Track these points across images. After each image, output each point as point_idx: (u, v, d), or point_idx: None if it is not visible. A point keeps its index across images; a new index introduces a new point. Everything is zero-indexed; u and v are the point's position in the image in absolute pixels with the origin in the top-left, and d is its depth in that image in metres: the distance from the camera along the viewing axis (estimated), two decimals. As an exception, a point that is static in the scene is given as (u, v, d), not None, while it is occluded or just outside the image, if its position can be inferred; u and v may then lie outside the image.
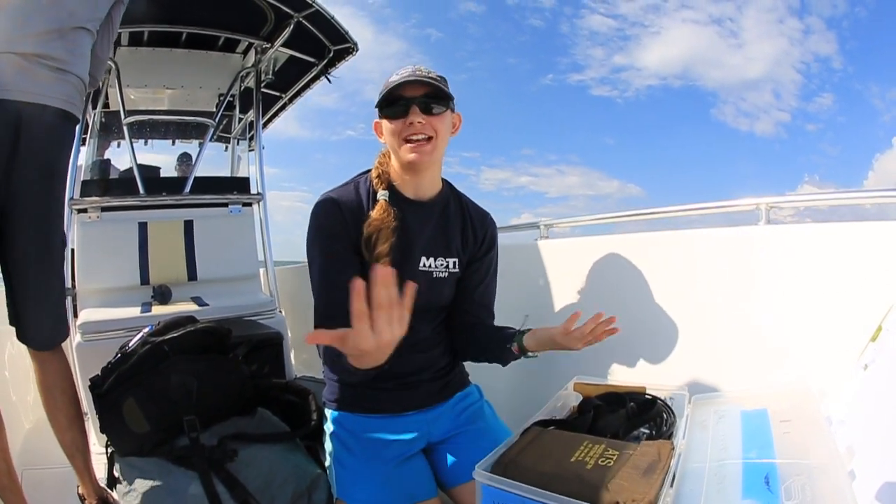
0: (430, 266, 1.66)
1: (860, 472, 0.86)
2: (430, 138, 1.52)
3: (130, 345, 1.83)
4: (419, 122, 1.50)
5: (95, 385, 1.77)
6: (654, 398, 1.40)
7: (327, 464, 1.70)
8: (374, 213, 1.54)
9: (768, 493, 0.88)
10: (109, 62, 3.51)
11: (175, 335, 1.79)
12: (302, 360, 3.93)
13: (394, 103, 1.51)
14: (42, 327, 1.91)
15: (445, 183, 1.74)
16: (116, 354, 1.84)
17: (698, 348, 1.82)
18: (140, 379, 1.72)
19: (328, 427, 1.73)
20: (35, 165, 1.80)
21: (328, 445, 1.71)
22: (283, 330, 3.06)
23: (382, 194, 1.58)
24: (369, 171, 1.68)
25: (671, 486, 0.96)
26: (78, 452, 2.01)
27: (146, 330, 1.87)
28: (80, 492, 2.08)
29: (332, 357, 1.51)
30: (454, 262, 1.70)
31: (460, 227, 1.73)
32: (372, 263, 1.36)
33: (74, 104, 1.90)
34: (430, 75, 1.51)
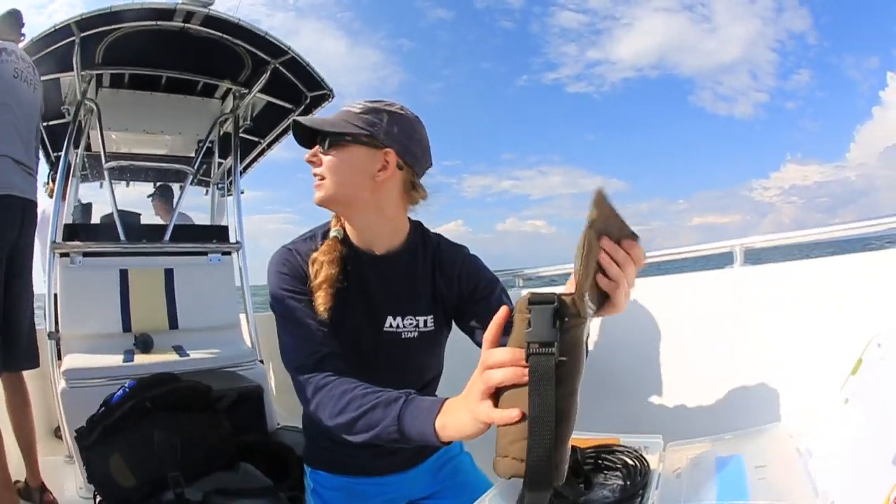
0: (396, 326, 1.46)
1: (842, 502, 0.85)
2: (323, 177, 1.34)
3: (114, 399, 1.86)
4: (311, 158, 1.36)
5: (82, 436, 1.80)
6: (626, 449, 1.30)
7: None
8: (318, 251, 1.37)
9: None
10: (90, 103, 3.58)
11: (158, 392, 1.81)
12: (285, 406, 3.92)
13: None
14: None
15: (415, 229, 1.52)
16: (100, 407, 1.87)
17: (675, 393, 1.82)
18: (125, 433, 1.75)
19: (308, 483, 1.67)
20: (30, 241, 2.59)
21: (309, 502, 1.67)
22: (263, 381, 3.05)
23: (336, 231, 1.42)
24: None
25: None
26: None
27: (128, 384, 1.89)
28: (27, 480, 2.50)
29: (310, 417, 1.39)
30: (426, 321, 1.49)
31: (430, 276, 1.51)
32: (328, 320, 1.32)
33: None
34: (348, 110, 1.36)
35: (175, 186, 4.71)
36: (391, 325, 1.45)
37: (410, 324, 1.47)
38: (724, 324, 1.73)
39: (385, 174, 1.32)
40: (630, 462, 1.20)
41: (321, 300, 1.30)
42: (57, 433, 3.17)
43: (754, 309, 1.66)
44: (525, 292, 0.85)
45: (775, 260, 1.73)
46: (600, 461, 1.25)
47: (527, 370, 0.81)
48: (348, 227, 1.43)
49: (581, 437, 1.44)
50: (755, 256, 1.80)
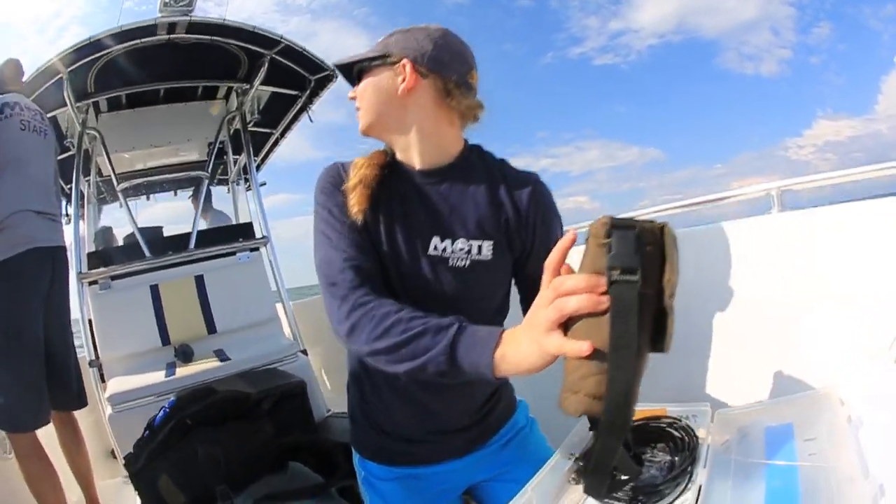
0: (443, 250, 1.27)
1: (891, 486, 0.80)
2: (359, 108, 1.33)
3: (156, 421, 1.89)
4: (352, 95, 1.35)
5: (129, 463, 1.84)
6: (674, 420, 1.25)
7: None
8: (360, 159, 1.31)
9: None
10: (93, 131, 3.60)
11: (196, 409, 1.83)
12: (336, 392, 3.97)
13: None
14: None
15: (470, 149, 1.38)
16: (144, 431, 1.90)
17: (719, 355, 1.70)
18: (169, 454, 1.78)
19: (359, 472, 1.52)
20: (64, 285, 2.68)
21: (362, 492, 1.53)
22: (307, 373, 3.09)
23: (385, 147, 1.36)
24: None
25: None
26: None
27: (168, 404, 1.92)
28: None
29: (356, 402, 1.42)
30: (481, 247, 1.28)
31: (488, 198, 1.31)
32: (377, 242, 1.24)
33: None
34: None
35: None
36: (436, 249, 1.27)
37: (461, 249, 1.27)
38: (764, 277, 1.60)
39: (406, 84, 1.25)
40: (678, 435, 1.15)
41: (354, 200, 1.23)
42: (113, 454, 3.25)
43: (792, 260, 1.53)
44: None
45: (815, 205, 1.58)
46: (648, 434, 1.20)
47: (604, 299, 0.77)
48: (398, 149, 1.35)
49: None
50: (794, 203, 1.67)
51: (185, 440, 1.79)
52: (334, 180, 1.30)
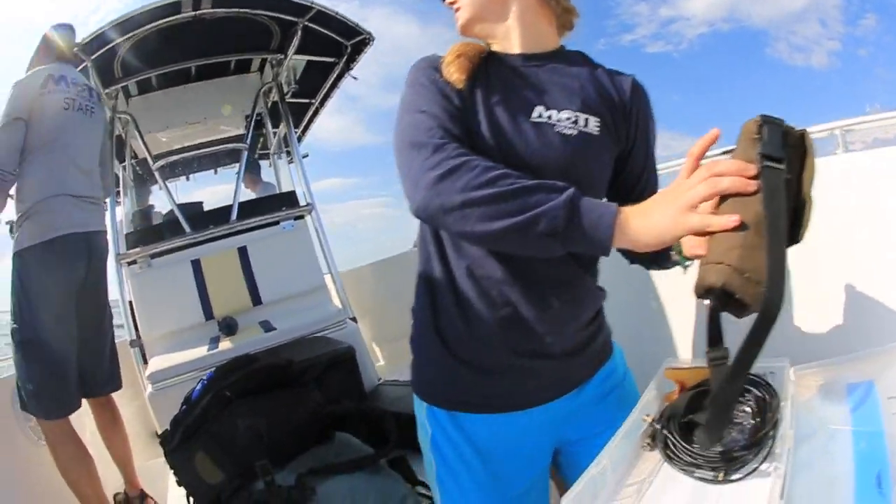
0: (549, 118, 1.10)
1: None
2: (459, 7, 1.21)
3: (194, 395, 1.81)
4: None
5: (165, 441, 1.76)
6: (754, 377, 1.14)
7: (428, 475, 1.27)
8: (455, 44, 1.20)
9: (880, 498, 0.76)
10: (125, 115, 3.55)
11: (235, 379, 1.74)
12: (388, 362, 3.90)
13: None
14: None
15: (567, 48, 1.27)
16: (182, 406, 1.82)
17: (795, 306, 1.58)
18: (207, 428, 1.70)
19: (424, 431, 1.23)
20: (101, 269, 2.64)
21: (424, 451, 1.25)
22: (355, 341, 2.99)
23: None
24: None
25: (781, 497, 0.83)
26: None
27: (207, 375, 1.84)
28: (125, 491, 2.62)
29: (426, 319, 1.19)
30: (588, 120, 1.11)
31: (593, 82, 1.17)
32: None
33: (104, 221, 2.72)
34: None
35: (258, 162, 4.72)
36: (541, 116, 1.10)
37: (567, 118, 1.10)
38: (835, 222, 1.43)
39: None
40: (759, 394, 1.06)
41: (454, 68, 1.11)
42: (157, 434, 3.24)
43: (862, 202, 1.43)
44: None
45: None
46: None
47: (754, 183, 0.78)
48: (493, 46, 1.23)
49: (701, 365, 1.22)
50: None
51: (224, 413, 1.69)
52: (430, 61, 1.16)
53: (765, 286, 0.75)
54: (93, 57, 3.00)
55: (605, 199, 1.11)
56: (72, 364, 2.36)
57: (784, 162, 0.78)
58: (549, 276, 1.10)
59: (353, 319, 3.37)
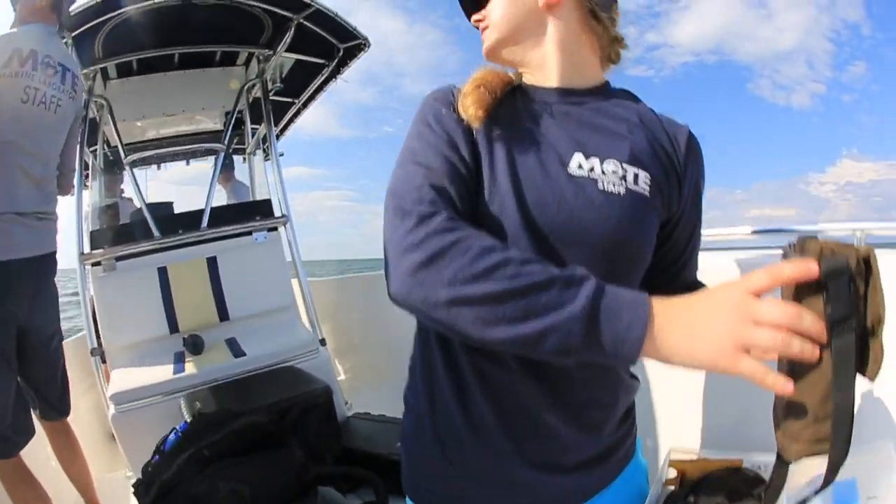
0: (590, 169, 0.89)
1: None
2: (487, 25, 1.02)
3: (167, 445, 1.66)
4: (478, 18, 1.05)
5: (139, 492, 1.62)
6: (755, 476, 1.13)
7: None
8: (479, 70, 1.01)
9: None
10: (101, 99, 3.34)
11: (215, 438, 1.59)
12: (350, 376, 3.81)
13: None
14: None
15: (611, 85, 1.07)
16: (154, 455, 1.67)
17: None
18: (185, 489, 1.55)
19: None
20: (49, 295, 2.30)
21: None
22: (328, 373, 2.88)
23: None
24: None
25: None
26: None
27: (180, 427, 1.69)
28: None
29: (422, 417, 1.00)
30: (640, 176, 0.91)
31: (643, 129, 0.97)
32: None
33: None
34: None
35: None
36: (581, 167, 0.89)
37: (613, 172, 0.89)
38: None
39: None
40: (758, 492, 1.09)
41: (471, 101, 0.91)
42: (114, 438, 3.03)
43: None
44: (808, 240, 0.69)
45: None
46: (732, 490, 1.13)
47: (824, 353, 0.65)
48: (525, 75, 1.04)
49: (704, 456, 1.29)
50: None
51: (204, 474, 1.55)
52: (443, 94, 0.98)
53: (830, 456, 0.73)
54: (73, 34, 2.77)
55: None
56: (11, 398, 2.06)
57: (853, 317, 0.66)
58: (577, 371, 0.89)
59: (322, 341, 3.22)
